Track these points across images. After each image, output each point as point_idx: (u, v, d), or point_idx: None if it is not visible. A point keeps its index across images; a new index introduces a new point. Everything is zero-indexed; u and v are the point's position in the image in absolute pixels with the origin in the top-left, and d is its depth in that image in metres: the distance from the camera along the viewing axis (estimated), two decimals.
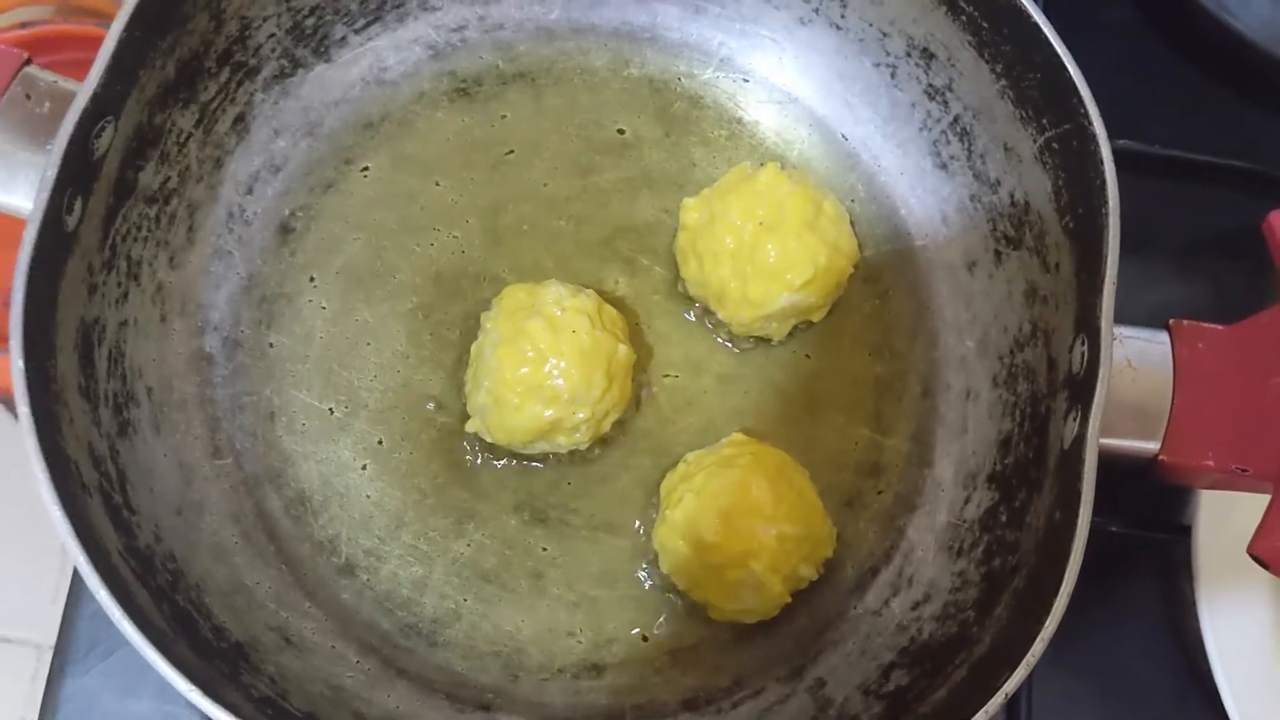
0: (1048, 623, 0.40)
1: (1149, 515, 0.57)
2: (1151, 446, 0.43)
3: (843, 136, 0.55)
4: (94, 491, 0.41)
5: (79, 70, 1.07)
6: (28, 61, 0.41)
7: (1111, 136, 0.45)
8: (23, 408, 0.37)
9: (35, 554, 1.21)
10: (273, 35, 0.49)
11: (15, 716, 1.23)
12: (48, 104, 0.40)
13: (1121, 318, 0.43)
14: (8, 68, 0.40)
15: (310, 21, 0.50)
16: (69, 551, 0.37)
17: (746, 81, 0.56)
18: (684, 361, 0.52)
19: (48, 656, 1.27)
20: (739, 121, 0.56)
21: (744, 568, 0.46)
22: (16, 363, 0.38)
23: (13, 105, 0.40)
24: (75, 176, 0.40)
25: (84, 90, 0.39)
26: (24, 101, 0.40)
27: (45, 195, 0.38)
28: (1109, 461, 0.42)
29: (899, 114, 0.54)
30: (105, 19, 1.11)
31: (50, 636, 1.31)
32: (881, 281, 0.54)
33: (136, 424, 0.45)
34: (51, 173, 0.38)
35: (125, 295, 0.46)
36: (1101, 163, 0.44)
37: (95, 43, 1.06)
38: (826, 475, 0.50)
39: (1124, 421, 0.43)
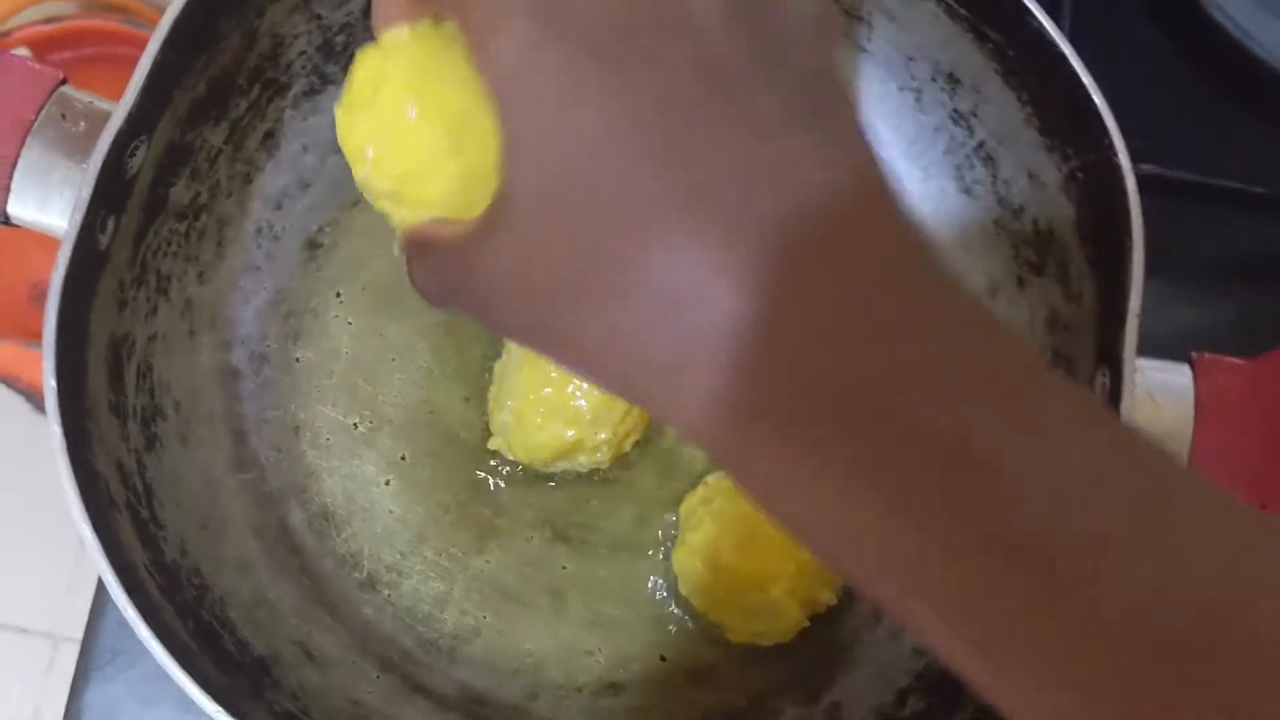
0: None
1: None
2: None
3: None
4: (122, 507, 0.42)
5: (102, 66, 1.08)
6: (63, 81, 0.41)
7: (1135, 161, 0.45)
8: (55, 426, 0.38)
9: (50, 546, 1.22)
10: (303, 52, 0.50)
11: (30, 707, 1.25)
12: (83, 123, 0.41)
13: (1142, 340, 0.43)
14: (43, 87, 0.41)
15: (341, 39, 0.51)
16: (99, 570, 0.37)
17: None
18: None
19: (62, 647, 1.28)
20: None
21: (763, 592, 0.46)
22: (49, 381, 0.38)
23: (48, 124, 0.41)
24: (109, 196, 0.41)
25: (119, 111, 0.40)
26: (59, 121, 0.41)
27: (80, 216, 0.39)
28: None
29: (923, 137, 0.54)
30: (129, 15, 1.12)
31: (64, 628, 1.33)
32: None
33: (164, 438, 0.46)
34: (86, 193, 0.39)
35: (154, 310, 0.46)
36: (1126, 196, 0.44)
37: (119, 38, 1.07)
38: None
39: None
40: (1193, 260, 0.63)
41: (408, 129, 0.40)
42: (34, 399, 1.20)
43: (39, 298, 1.14)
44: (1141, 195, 0.45)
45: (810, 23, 0.27)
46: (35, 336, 1.08)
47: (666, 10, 0.24)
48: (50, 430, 0.38)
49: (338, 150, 0.52)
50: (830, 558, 0.25)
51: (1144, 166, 0.54)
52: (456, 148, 0.37)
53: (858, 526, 0.24)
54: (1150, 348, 0.44)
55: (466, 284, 0.28)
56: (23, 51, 1.04)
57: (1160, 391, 0.44)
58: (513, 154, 0.25)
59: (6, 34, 1.07)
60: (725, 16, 0.25)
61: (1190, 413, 0.44)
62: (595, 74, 0.24)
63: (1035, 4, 0.47)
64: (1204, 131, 0.63)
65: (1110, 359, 0.44)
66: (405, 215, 0.38)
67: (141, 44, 1.05)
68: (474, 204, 0.40)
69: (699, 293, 0.24)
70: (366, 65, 0.40)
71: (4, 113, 0.40)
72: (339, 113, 0.40)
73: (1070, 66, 0.45)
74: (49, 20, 1.08)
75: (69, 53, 1.08)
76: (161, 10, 1.04)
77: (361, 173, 0.40)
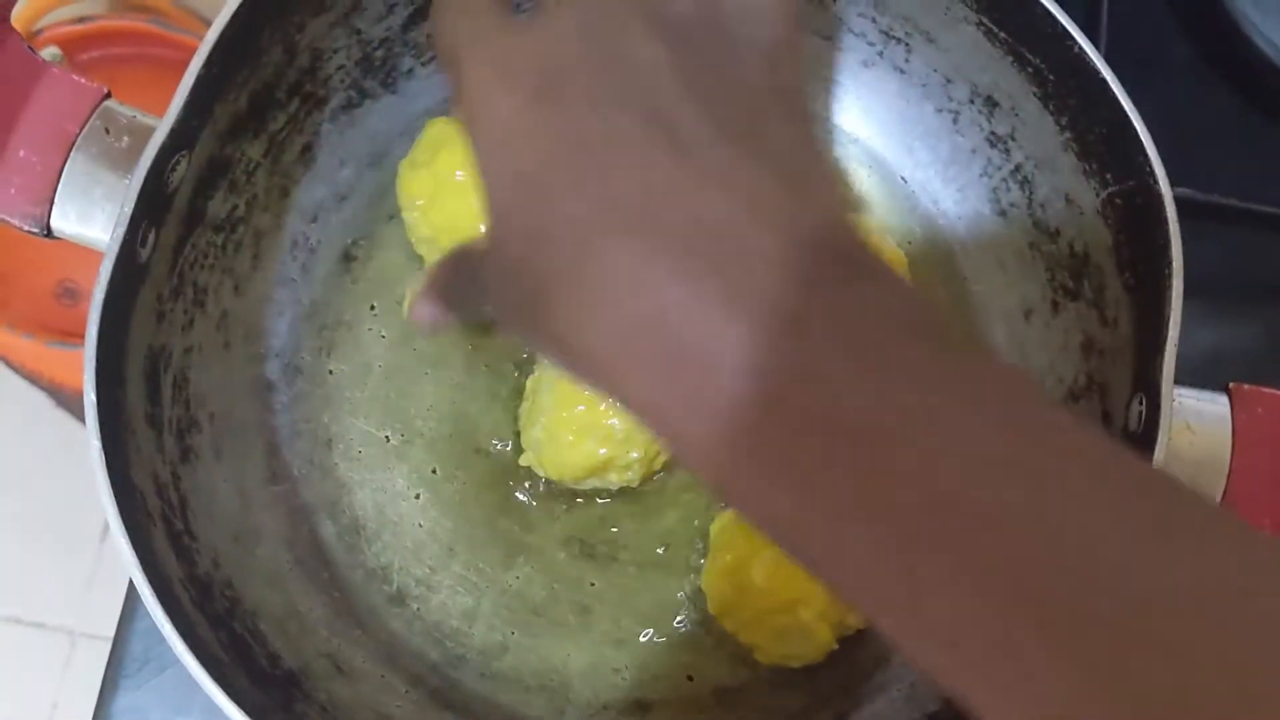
0: None
1: None
2: None
3: (902, 179, 0.56)
4: (158, 519, 0.42)
5: (131, 65, 1.08)
6: (107, 95, 0.41)
7: (1172, 183, 0.45)
8: (94, 440, 0.38)
9: (70, 542, 1.23)
10: (342, 67, 0.50)
11: (49, 701, 1.25)
12: (126, 139, 0.41)
13: (1177, 365, 0.43)
14: (88, 102, 0.41)
15: (380, 54, 0.51)
16: (136, 584, 0.38)
17: None
18: None
19: (80, 643, 1.29)
20: None
21: (792, 614, 0.46)
22: (89, 395, 0.38)
23: (92, 139, 0.41)
24: (150, 210, 0.41)
25: (162, 126, 0.40)
26: (103, 136, 0.41)
27: (122, 231, 0.39)
28: None
29: (959, 159, 0.54)
30: (157, 15, 1.12)
31: (83, 624, 1.33)
32: None
33: (198, 450, 0.46)
34: (128, 209, 0.39)
35: (191, 322, 0.46)
36: (1166, 224, 0.44)
37: (146, 38, 1.07)
38: None
39: None
40: (1226, 283, 0.63)
41: (453, 190, 0.46)
42: (57, 395, 1.20)
43: (64, 295, 1.14)
44: (1179, 218, 0.44)
45: (762, 53, 0.29)
46: (60, 334, 1.09)
47: (606, 51, 0.27)
48: (90, 444, 0.38)
49: (374, 164, 0.53)
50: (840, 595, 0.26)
51: (1179, 190, 0.53)
52: None
53: (857, 567, 0.25)
54: (1183, 369, 0.44)
55: (482, 296, 0.32)
56: (53, 50, 1.05)
57: (1197, 420, 0.44)
58: (482, 176, 0.28)
59: (37, 33, 1.07)
60: (667, 52, 0.27)
61: (1227, 443, 0.43)
62: (536, 110, 0.27)
63: (1076, 28, 0.47)
64: (1240, 154, 0.62)
65: (1147, 387, 0.44)
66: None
67: (171, 44, 1.05)
68: None
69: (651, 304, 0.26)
70: (432, 132, 0.49)
71: (49, 126, 0.40)
72: (403, 165, 0.50)
73: (1111, 92, 0.45)
74: (79, 20, 1.09)
75: (98, 52, 1.09)
76: (190, 11, 1.04)
77: (410, 218, 0.49)
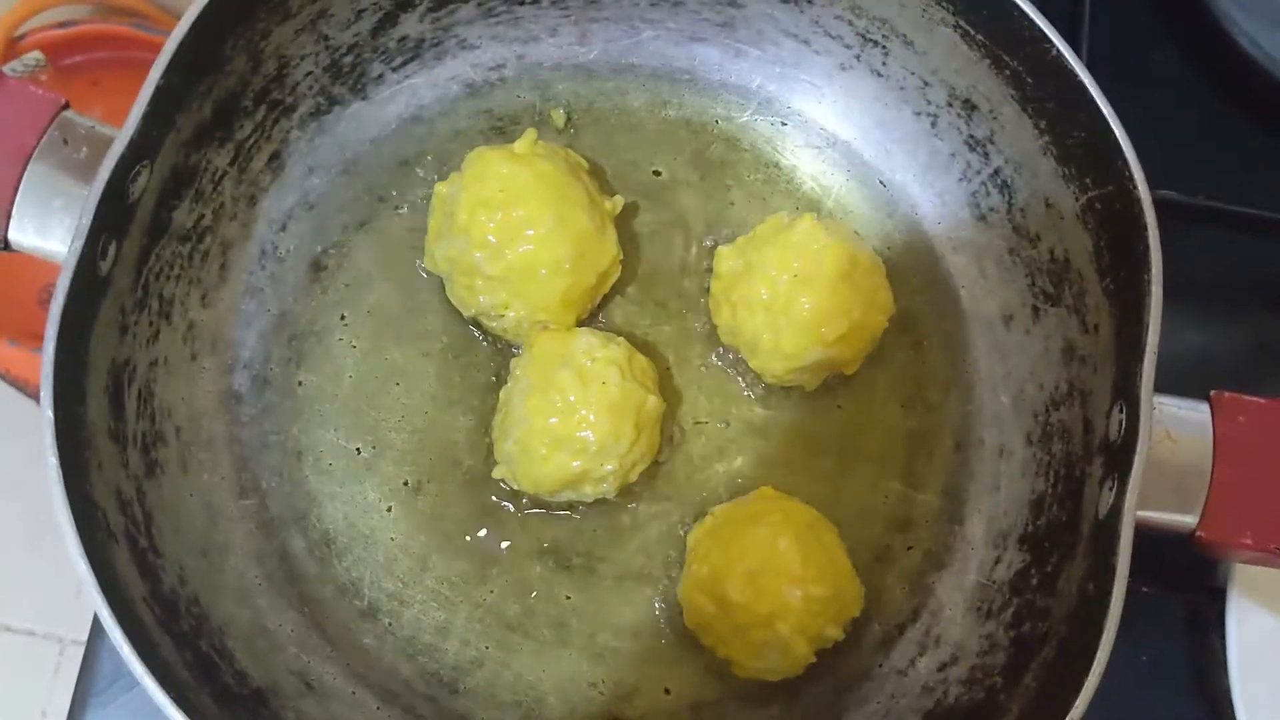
0: (1078, 703, 0.39)
1: (1181, 578, 0.56)
2: (1189, 521, 0.42)
3: (881, 183, 0.55)
4: (120, 537, 0.41)
5: (114, 69, 1.08)
6: (65, 106, 0.41)
7: (1153, 186, 0.44)
8: (50, 458, 0.37)
9: (59, 550, 1.22)
10: (310, 73, 0.49)
11: (38, 709, 1.25)
12: (85, 149, 0.40)
13: (1160, 368, 0.42)
14: (45, 112, 0.40)
15: (348, 59, 0.50)
16: (94, 606, 0.37)
17: (785, 125, 0.55)
18: (713, 409, 0.52)
19: (69, 651, 1.28)
20: (776, 165, 0.55)
21: (770, 628, 0.45)
22: (45, 413, 0.38)
23: (50, 150, 0.40)
24: (110, 221, 0.40)
25: (121, 137, 0.39)
26: (61, 146, 0.40)
27: (80, 244, 0.38)
28: (1143, 532, 0.41)
29: (938, 163, 0.54)
30: (140, 19, 1.11)
31: (72, 631, 1.32)
32: (916, 332, 0.53)
33: (164, 464, 0.45)
34: (86, 221, 0.38)
35: (156, 334, 0.46)
36: (1145, 229, 0.43)
37: (129, 42, 1.07)
38: (856, 529, 0.50)
39: (1161, 494, 0.42)
40: (1211, 286, 0.62)
41: (540, 238, 0.47)
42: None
43: (48, 301, 1.14)
44: (1159, 220, 0.44)
45: None
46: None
47: None
48: (46, 462, 0.37)
49: (344, 172, 0.52)
50: None
51: (1162, 192, 0.53)
52: (574, 266, 0.47)
53: None
54: (1166, 373, 0.43)
55: None
56: (36, 55, 1.04)
57: (1177, 428, 0.43)
58: None
59: (20, 38, 1.06)
60: None
61: (1209, 450, 0.43)
62: None
63: (1053, 31, 0.46)
64: (1223, 156, 0.62)
65: (1127, 396, 0.43)
66: (501, 299, 0.48)
67: (154, 48, 1.05)
68: (567, 316, 0.48)
69: None
70: (498, 168, 0.47)
71: (5, 139, 0.39)
72: (467, 200, 0.47)
73: (1090, 96, 0.45)
74: (62, 25, 1.08)
75: (81, 56, 1.08)
76: (173, 15, 1.04)
77: (479, 255, 0.47)
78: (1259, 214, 0.59)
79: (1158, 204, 0.44)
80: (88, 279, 0.40)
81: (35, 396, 1.17)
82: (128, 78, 1.06)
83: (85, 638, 0.53)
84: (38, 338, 1.06)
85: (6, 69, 0.94)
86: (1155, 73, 0.62)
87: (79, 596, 1.29)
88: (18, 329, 1.04)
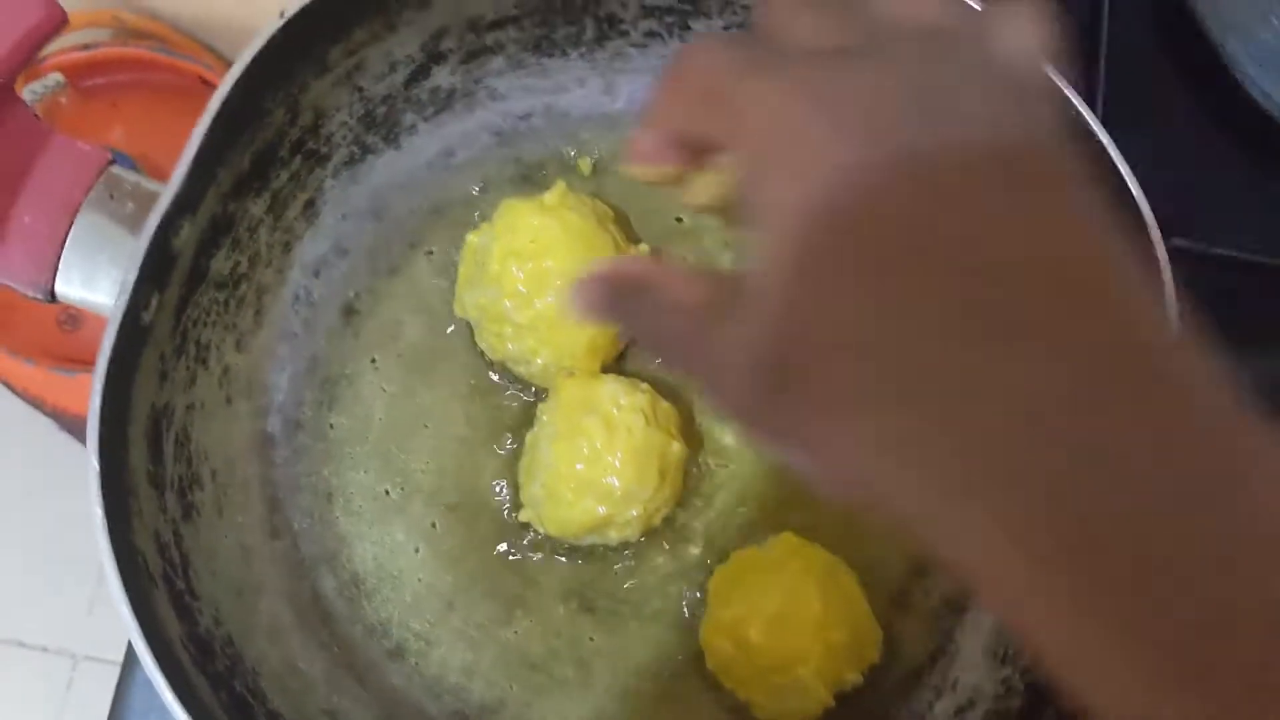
0: None
1: None
2: None
3: None
4: (159, 580, 0.42)
5: (135, 92, 1.09)
6: (113, 161, 0.42)
7: (1166, 235, 0.45)
8: (96, 508, 0.38)
9: (72, 565, 1.23)
10: (345, 124, 0.50)
11: None
12: (130, 204, 0.41)
13: None
14: (93, 167, 0.41)
15: (382, 110, 0.51)
16: (138, 650, 0.38)
17: None
18: (736, 451, 0.53)
19: (82, 666, 1.29)
20: None
21: (790, 672, 0.46)
22: (92, 462, 0.39)
23: (96, 205, 0.41)
24: (154, 274, 0.41)
25: (166, 193, 0.41)
26: (108, 201, 0.41)
27: (125, 299, 0.39)
28: None
29: None
30: (161, 42, 1.13)
31: (85, 647, 1.33)
32: None
33: (200, 507, 0.46)
34: (132, 276, 0.40)
35: (193, 379, 0.47)
36: (1162, 285, 0.44)
37: (150, 65, 1.08)
38: (874, 573, 0.51)
39: None
40: (1224, 334, 0.63)
41: (568, 288, 0.45)
42: (60, 420, 1.21)
43: (67, 322, 1.15)
44: (1172, 268, 0.45)
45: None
46: (64, 361, 1.09)
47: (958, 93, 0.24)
48: (92, 511, 0.38)
49: (376, 218, 0.53)
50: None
51: (1177, 240, 0.54)
52: None
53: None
54: None
55: (654, 331, 0.29)
56: (56, 77, 1.05)
57: None
58: (768, 230, 0.24)
59: (41, 60, 1.08)
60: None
61: None
62: (890, 163, 0.23)
63: (1073, 91, 0.47)
64: (1239, 207, 0.63)
65: None
66: (529, 345, 0.49)
67: (175, 71, 1.06)
68: (593, 363, 0.50)
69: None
70: (528, 219, 0.49)
71: (54, 194, 0.40)
72: (499, 250, 0.48)
73: (1110, 158, 0.45)
74: (84, 47, 1.09)
75: (102, 79, 1.09)
76: (193, 39, 1.04)
77: (509, 304, 0.48)
78: (1271, 262, 0.60)
79: (1171, 252, 0.45)
80: (131, 330, 0.41)
81: (52, 415, 1.18)
82: (148, 100, 1.07)
83: (98, 654, 0.54)
84: (56, 358, 1.07)
85: (28, 91, 0.95)
86: (1172, 125, 0.63)
87: (91, 613, 1.30)
88: (36, 348, 1.05)
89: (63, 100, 1.03)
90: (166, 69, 1.08)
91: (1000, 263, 0.22)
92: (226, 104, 0.42)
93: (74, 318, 1.15)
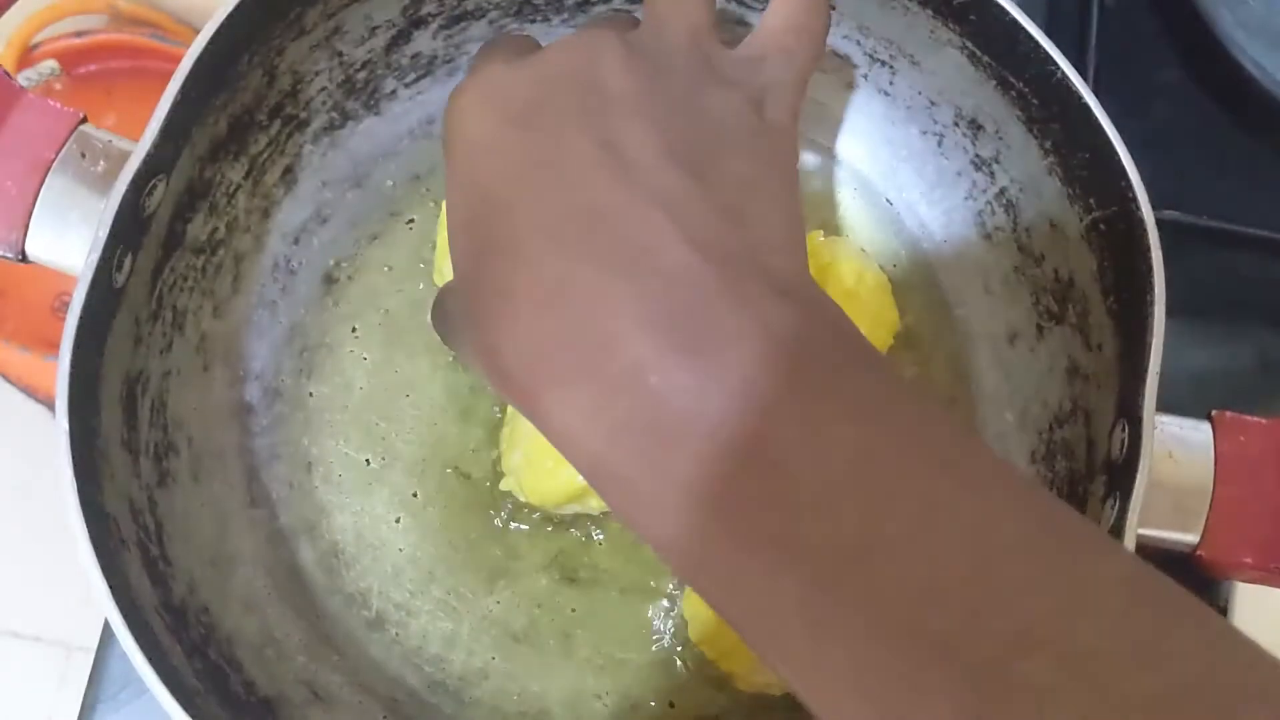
0: None
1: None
2: (1190, 539, 0.43)
3: (887, 201, 0.55)
4: (132, 545, 0.41)
5: (130, 79, 1.09)
6: (84, 120, 0.41)
7: (1157, 205, 0.44)
8: (66, 469, 0.38)
9: (65, 555, 1.22)
10: (324, 89, 0.50)
11: (43, 716, 1.25)
12: (102, 163, 0.41)
13: (1161, 385, 0.43)
14: (64, 126, 0.41)
15: (362, 75, 0.51)
16: (106, 613, 0.37)
17: None
18: None
19: (77, 657, 1.29)
20: None
21: None
22: (61, 423, 0.38)
23: (68, 163, 0.41)
24: (125, 235, 0.41)
25: (138, 151, 0.40)
26: (79, 160, 0.41)
27: (96, 256, 0.39)
28: (1144, 550, 0.42)
29: (944, 181, 0.54)
30: (155, 28, 1.12)
31: (78, 637, 1.34)
32: (921, 349, 0.54)
33: (175, 474, 0.46)
34: (103, 234, 0.39)
35: (170, 346, 0.46)
36: (1149, 252, 0.44)
37: (144, 52, 1.08)
38: None
39: (1162, 513, 0.43)
40: (1212, 304, 0.62)
41: None
42: (53, 408, 1.20)
43: (61, 309, 1.14)
44: (1162, 239, 0.44)
45: (752, 91, 0.30)
46: (56, 348, 1.09)
47: (582, 83, 0.29)
48: (60, 472, 0.38)
49: (357, 185, 0.53)
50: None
51: (1165, 212, 0.53)
52: None
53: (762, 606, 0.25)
54: (1168, 392, 0.43)
55: (450, 324, 0.34)
56: (51, 64, 1.05)
57: (1179, 448, 0.43)
58: (448, 194, 0.31)
59: (35, 47, 1.07)
60: (636, 83, 0.29)
61: (1210, 470, 0.43)
62: (504, 132, 0.29)
63: (1059, 53, 0.46)
64: (1228, 176, 0.62)
65: (1129, 415, 0.43)
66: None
67: (169, 58, 1.06)
68: None
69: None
70: None
71: (24, 152, 0.40)
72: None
73: (1095, 118, 0.45)
74: (77, 34, 1.09)
75: (97, 65, 1.08)
76: (188, 25, 1.04)
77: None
78: (1261, 234, 0.60)
79: (1161, 224, 0.44)
80: (103, 292, 0.40)
81: (46, 403, 1.18)
82: (142, 87, 1.06)
83: (93, 645, 0.54)
84: (50, 345, 1.07)
85: (21, 78, 0.94)
86: (1160, 94, 0.62)
87: (86, 604, 1.29)
88: (30, 336, 1.05)
89: (57, 87, 1.02)
90: (162, 56, 1.07)
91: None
92: (199, 63, 0.41)
93: (68, 305, 1.14)
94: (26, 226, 0.40)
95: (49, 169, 0.40)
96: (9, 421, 1.24)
